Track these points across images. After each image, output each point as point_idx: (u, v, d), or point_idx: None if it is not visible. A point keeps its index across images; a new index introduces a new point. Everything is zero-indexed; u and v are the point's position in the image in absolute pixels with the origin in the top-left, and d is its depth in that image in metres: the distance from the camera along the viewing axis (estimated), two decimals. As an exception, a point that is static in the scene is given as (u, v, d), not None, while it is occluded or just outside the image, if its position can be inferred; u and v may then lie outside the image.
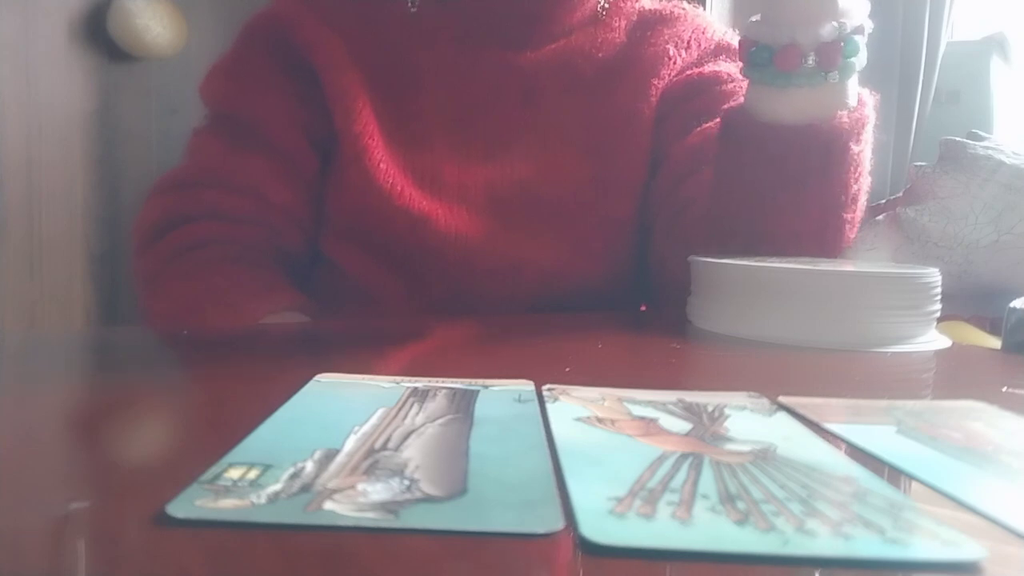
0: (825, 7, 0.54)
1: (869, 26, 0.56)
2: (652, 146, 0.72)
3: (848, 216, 0.60)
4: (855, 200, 0.60)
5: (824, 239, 0.60)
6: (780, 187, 0.58)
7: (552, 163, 0.71)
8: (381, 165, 0.67)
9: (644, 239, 0.74)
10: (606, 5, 0.75)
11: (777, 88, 0.56)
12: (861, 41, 0.55)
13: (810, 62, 0.54)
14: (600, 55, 0.73)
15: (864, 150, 0.57)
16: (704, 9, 0.93)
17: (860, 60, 0.56)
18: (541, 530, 0.19)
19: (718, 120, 0.63)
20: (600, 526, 0.19)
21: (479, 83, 0.71)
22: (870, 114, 0.57)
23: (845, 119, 0.55)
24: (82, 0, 1.66)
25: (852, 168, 0.57)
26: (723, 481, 0.23)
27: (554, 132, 0.71)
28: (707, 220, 0.64)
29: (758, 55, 0.57)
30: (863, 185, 0.60)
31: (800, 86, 0.55)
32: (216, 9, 1.74)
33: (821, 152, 0.56)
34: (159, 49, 1.67)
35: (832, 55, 0.54)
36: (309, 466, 0.23)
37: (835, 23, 0.54)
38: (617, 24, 0.75)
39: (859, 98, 0.57)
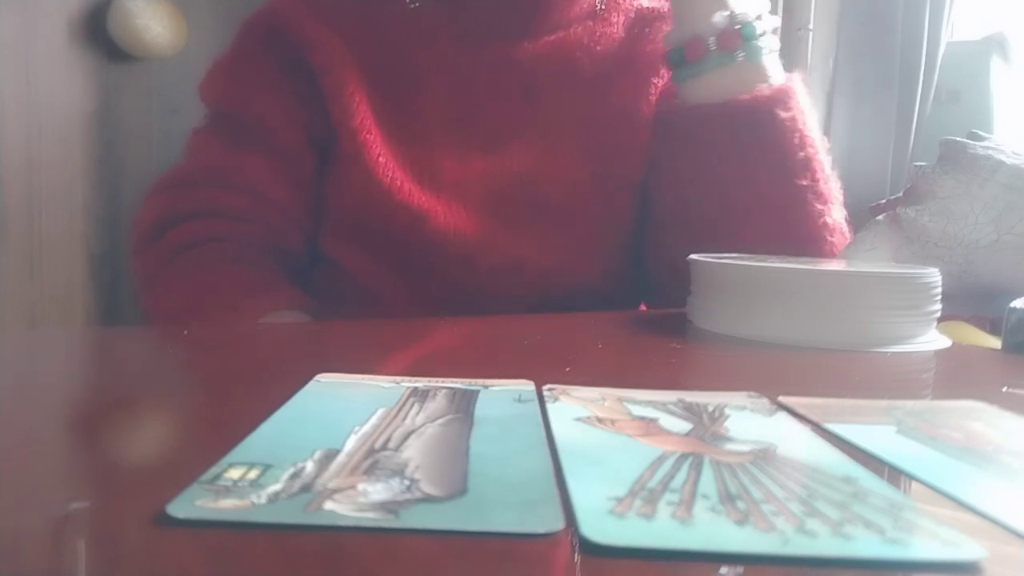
0: (711, 1, 0.62)
1: (775, 20, 0.64)
2: (651, 143, 0.73)
3: (803, 183, 0.61)
4: (807, 167, 0.62)
5: (786, 213, 0.62)
6: (719, 164, 0.63)
7: (551, 159, 0.71)
8: (380, 160, 0.67)
9: (643, 237, 0.74)
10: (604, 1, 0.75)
11: (696, 77, 0.64)
12: (760, 26, 0.62)
13: (712, 46, 0.62)
14: (599, 49, 0.73)
15: (796, 116, 0.62)
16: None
17: (768, 43, 0.63)
18: (541, 530, 0.19)
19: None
20: (600, 526, 0.19)
21: (479, 80, 0.71)
22: (797, 86, 0.63)
23: (766, 89, 0.61)
24: (82, 0, 1.66)
25: (788, 134, 0.61)
26: (723, 481, 0.23)
27: (553, 129, 0.71)
28: (690, 221, 0.66)
29: (673, 56, 0.65)
30: (814, 155, 0.62)
31: (713, 70, 0.63)
32: (216, 9, 1.74)
33: (747, 120, 0.61)
34: (159, 49, 1.67)
35: (730, 38, 0.62)
36: (309, 466, 0.23)
37: (725, 12, 0.62)
38: (615, 19, 0.75)
39: (787, 77, 0.64)
